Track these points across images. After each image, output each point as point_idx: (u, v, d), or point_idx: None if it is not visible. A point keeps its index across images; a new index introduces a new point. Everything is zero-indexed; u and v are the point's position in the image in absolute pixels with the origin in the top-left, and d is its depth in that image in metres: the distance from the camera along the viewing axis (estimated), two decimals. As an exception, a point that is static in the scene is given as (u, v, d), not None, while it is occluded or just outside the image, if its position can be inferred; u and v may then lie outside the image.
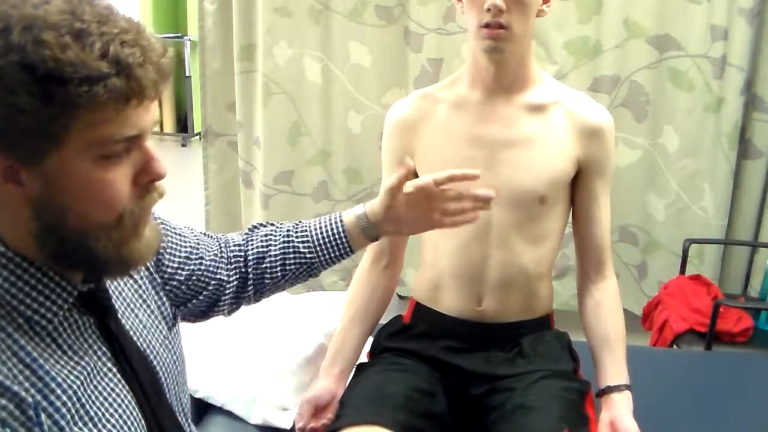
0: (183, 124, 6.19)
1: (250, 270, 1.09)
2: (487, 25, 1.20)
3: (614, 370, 1.33)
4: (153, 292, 0.94)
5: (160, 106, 6.00)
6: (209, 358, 1.54)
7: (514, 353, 1.36)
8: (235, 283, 1.08)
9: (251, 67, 2.72)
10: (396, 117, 1.39)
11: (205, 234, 1.10)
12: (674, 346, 2.15)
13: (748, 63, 2.39)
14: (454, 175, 1.07)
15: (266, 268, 1.09)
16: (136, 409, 0.82)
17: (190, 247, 1.02)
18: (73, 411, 0.73)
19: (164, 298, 0.96)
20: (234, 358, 1.56)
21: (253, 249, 1.10)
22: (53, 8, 0.65)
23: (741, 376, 1.69)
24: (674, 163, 2.54)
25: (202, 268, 1.03)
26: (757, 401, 1.57)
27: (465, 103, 1.33)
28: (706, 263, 2.58)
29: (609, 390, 1.31)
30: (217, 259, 1.06)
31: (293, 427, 1.37)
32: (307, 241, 1.10)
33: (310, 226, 1.11)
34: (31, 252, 0.73)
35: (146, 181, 0.74)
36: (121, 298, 0.86)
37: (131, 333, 0.85)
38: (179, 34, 5.92)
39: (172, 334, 0.95)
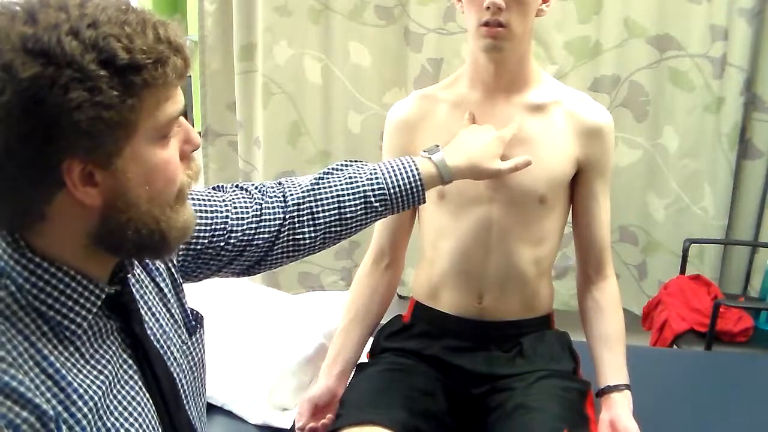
0: (183, 124, 6.19)
1: (320, 230, 1.06)
2: (486, 24, 1.20)
3: (614, 370, 1.33)
4: (175, 299, 0.93)
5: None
6: (209, 358, 1.54)
7: (515, 353, 1.36)
8: (284, 244, 1.05)
9: (251, 67, 2.72)
10: (396, 117, 1.39)
11: (243, 189, 1.06)
12: (674, 346, 2.15)
13: (748, 63, 2.39)
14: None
15: (341, 230, 1.08)
16: (155, 417, 0.82)
17: (216, 224, 0.99)
18: (93, 422, 0.73)
19: (186, 304, 0.95)
20: (234, 358, 1.56)
21: (325, 211, 1.06)
22: (96, 5, 0.67)
23: (741, 376, 1.69)
24: (674, 163, 2.54)
25: (232, 241, 1.00)
26: (757, 401, 1.57)
27: (465, 103, 1.33)
28: (706, 263, 2.58)
29: (609, 390, 1.31)
30: (254, 224, 1.02)
31: (293, 427, 1.37)
32: (385, 202, 1.09)
33: (389, 188, 1.08)
34: (64, 255, 0.72)
35: (189, 150, 0.78)
36: (142, 302, 0.85)
37: (152, 338, 0.85)
38: (180, 34, 5.91)
39: (193, 340, 0.94)
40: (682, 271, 2.41)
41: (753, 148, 2.51)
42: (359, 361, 1.42)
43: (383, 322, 1.48)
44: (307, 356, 1.54)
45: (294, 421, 1.37)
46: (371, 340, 1.47)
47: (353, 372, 1.40)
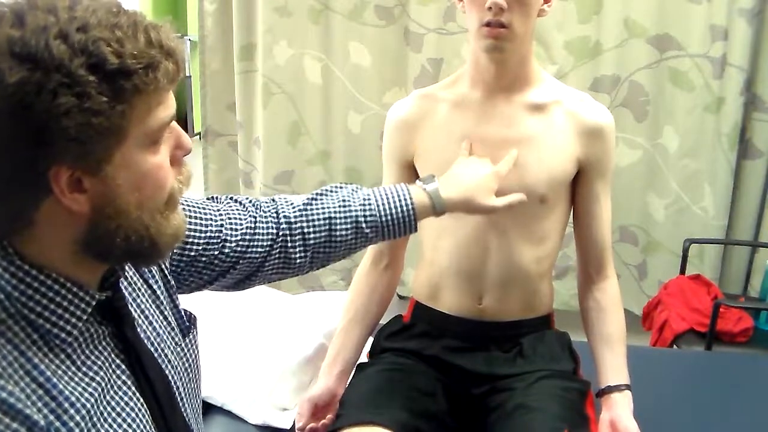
0: (183, 124, 6.12)
1: (309, 249, 1.05)
2: (488, 24, 1.19)
3: (614, 369, 1.33)
4: (168, 301, 0.92)
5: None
6: (209, 358, 1.54)
7: (515, 353, 1.36)
8: (275, 260, 1.04)
9: (251, 67, 2.72)
10: (396, 117, 1.38)
11: (237, 201, 1.05)
12: (674, 346, 2.15)
13: (748, 63, 2.39)
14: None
15: (330, 252, 1.07)
16: (150, 421, 0.81)
17: (211, 232, 0.98)
18: (86, 430, 0.72)
19: (179, 305, 0.94)
20: (234, 358, 1.56)
21: (316, 231, 1.05)
22: (86, 8, 0.65)
23: (741, 376, 1.69)
24: (674, 163, 2.54)
25: (226, 251, 0.99)
26: (757, 401, 1.57)
27: (465, 103, 1.33)
28: (706, 263, 2.58)
29: (609, 390, 1.31)
30: (248, 236, 1.02)
31: (293, 427, 1.37)
32: (376, 228, 1.07)
33: (381, 216, 1.07)
34: (53, 262, 0.71)
35: (181, 155, 0.76)
36: (134, 305, 0.85)
37: (146, 342, 0.84)
38: (179, 34, 5.90)
39: (186, 341, 0.93)
40: (682, 271, 2.41)
41: (753, 148, 2.51)
42: (359, 361, 1.42)
43: (383, 322, 1.48)
44: (307, 356, 1.54)
45: (294, 421, 1.37)
46: (371, 340, 1.47)
47: (353, 372, 1.40)
